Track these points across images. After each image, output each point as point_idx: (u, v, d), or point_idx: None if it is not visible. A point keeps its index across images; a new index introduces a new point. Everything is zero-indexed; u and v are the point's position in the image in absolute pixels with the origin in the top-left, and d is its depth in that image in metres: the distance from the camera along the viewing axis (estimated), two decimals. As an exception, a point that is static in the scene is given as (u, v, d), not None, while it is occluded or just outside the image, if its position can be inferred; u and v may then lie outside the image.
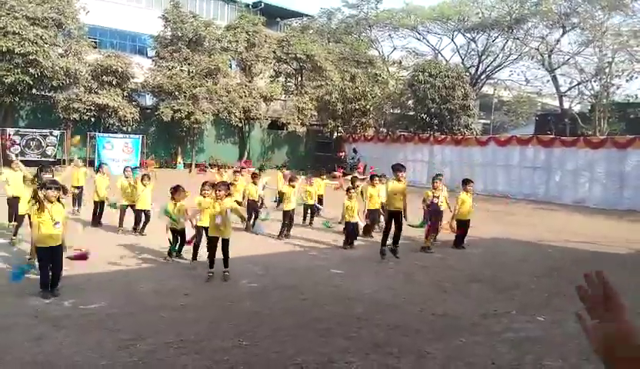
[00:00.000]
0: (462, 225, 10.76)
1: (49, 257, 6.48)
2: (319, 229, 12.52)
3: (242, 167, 15.12)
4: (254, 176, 12.73)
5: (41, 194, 6.52)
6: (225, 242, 7.67)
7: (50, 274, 6.50)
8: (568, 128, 29.26)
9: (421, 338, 5.61)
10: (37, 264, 6.70)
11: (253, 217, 11.83)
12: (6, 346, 4.92)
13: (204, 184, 8.59)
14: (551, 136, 23.55)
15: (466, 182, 11.03)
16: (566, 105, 32.84)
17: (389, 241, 9.45)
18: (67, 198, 8.81)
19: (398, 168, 9.52)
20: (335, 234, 11.61)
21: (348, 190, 11.01)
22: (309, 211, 12.98)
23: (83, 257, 8.17)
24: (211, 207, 7.78)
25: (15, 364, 4.53)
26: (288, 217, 11.19)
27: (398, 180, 9.39)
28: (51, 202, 6.49)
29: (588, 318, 1.05)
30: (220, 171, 14.67)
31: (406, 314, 6.46)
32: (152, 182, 11.14)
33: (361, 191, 12.05)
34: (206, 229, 8.22)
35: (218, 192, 7.78)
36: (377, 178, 11.77)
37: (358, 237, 10.80)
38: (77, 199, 12.80)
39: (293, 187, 11.47)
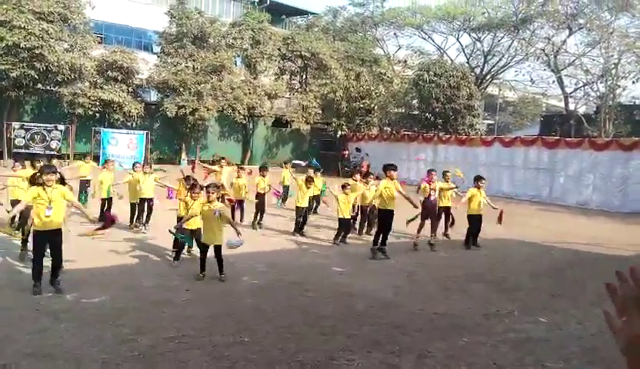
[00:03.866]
0: (474, 220, 10.77)
1: (45, 243, 6.43)
2: (317, 226, 12.49)
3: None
4: (262, 169, 12.79)
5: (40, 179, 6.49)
6: (217, 248, 7.50)
7: (50, 264, 6.49)
8: (573, 130, 29.18)
9: (422, 337, 5.59)
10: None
11: (259, 213, 11.93)
12: (8, 338, 4.93)
13: (208, 186, 8.13)
14: (556, 137, 23.47)
15: (478, 179, 11.09)
16: (571, 107, 32.75)
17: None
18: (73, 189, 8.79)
19: (390, 168, 9.58)
20: (333, 231, 11.53)
21: (343, 186, 11.02)
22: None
23: (110, 221, 7.93)
24: (199, 209, 7.70)
25: (16, 356, 4.54)
26: (299, 214, 11.29)
27: (391, 178, 9.41)
28: (49, 186, 6.41)
29: (615, 316, 0.99)
30: (221, 164, 14.41)
31: (408, 312, 6.45)
32: (155, 173, 11.25)
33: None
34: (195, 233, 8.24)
35: (209, 194, 7.63)
36: (370, 177, 12.05)
37: (349, 235, 10.92)
38: (84, 191, 12.90)
39: (309, 187, 11.51)
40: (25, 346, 4.78)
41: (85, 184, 12.98)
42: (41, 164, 8.55)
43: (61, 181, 6.70)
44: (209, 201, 7.59)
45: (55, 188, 6.45)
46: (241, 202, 12.24)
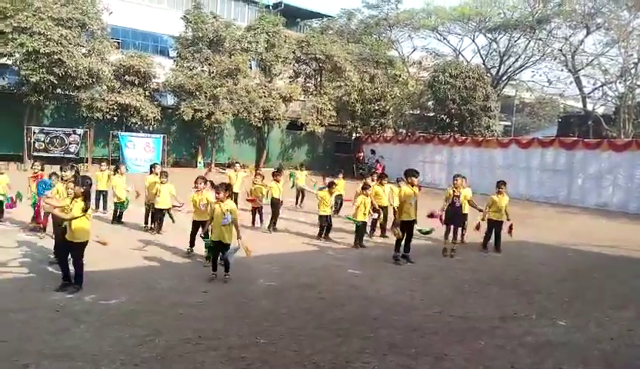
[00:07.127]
0: (493, 226, 10.64)
1: (66, 252, 6.64)
2: (335, 229, 12.45)
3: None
4: (275, 174, 12.62)
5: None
6: (226, 247, 7.52)
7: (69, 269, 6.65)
8: (591, 130, 28.75)
9: (439, 340, 5.56)
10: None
11: (273, 218, 11.92)
12: (27, 338, 5.01)
13: (218, 186, 7.99)
14: (574, 138, 23.15)
15: (499, 185, 10.91)
16: (590, 107, 32.27)
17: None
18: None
19: (412, 173, 9.41)
20: (350, 234, 11.47)
21: (363, 188, 10.98)
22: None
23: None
24: (209, 210, 7.75)
25: (35, 356, 4.61)
26: (324, 220, 11.22)
27: (412, 185, 9.31)
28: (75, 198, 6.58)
29: None
30: (236, 168, 14.30)
31: (424, 315, 6.41)
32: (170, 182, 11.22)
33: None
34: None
35: (217, 194, 7.62)
36: (385, 178, 12.03)
37: (366, 237, 11.04)
38: (103, 202, 12.95)
39: (332, 193, 11.47)
40: (45, 346, 4.85)
41: (103, 193, 12.95)
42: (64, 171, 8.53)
43: (85, 195, 6.70)
44: (220, 200, 7.61)
45: (76, 201, 6.60)
46: (260, 207, 12.27)
